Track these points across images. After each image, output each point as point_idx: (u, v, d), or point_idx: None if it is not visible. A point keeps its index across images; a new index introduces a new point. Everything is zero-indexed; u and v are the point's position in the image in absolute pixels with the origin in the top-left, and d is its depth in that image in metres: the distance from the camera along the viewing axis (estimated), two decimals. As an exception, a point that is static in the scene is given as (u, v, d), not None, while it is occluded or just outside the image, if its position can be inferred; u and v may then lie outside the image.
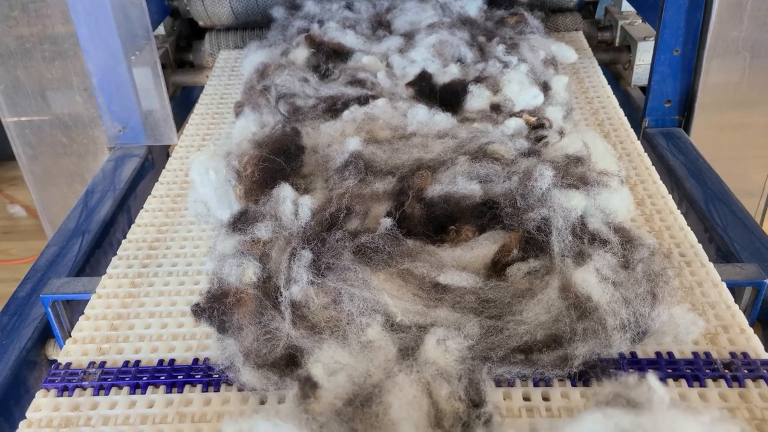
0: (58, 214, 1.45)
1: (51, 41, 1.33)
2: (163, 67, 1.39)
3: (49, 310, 0.93)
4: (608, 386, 0.48)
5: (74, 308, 0.95)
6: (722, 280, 0.84)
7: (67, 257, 1.09)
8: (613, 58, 1.64)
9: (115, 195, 1.25)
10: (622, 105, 1.31)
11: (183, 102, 1.76)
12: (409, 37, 1.33)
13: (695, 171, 1.24)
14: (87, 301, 0.88)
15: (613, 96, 1.34)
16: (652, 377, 0.47)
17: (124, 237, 1.00)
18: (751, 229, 1.07)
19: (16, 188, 2.92)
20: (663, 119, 1.42)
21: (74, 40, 1.31)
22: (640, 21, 1.64)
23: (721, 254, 1.05)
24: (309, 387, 0.58)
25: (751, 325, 0.82)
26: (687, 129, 1.41)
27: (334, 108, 1.10)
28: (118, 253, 0.97)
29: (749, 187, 1.49)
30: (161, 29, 1.70)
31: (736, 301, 0.81)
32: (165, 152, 1.50)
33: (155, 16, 1.51)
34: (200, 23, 1.72)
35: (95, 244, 1.14)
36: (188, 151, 1.23)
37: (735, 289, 0.87)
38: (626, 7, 1.70)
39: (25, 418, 0.71)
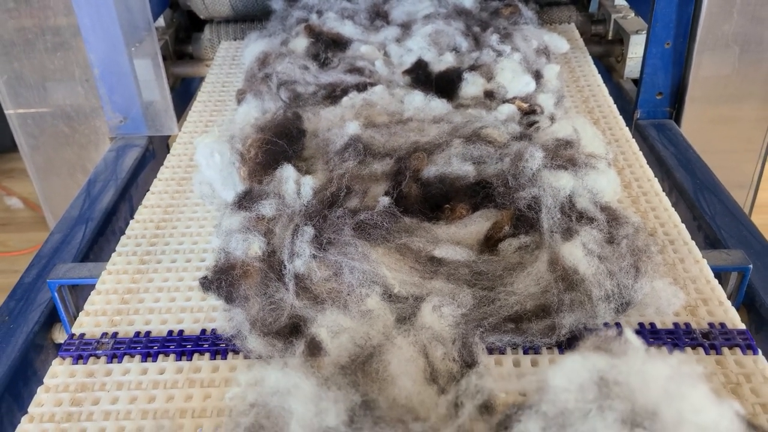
0: (60, 203, 1.47)
1: (53, 32, 1.34)
2: (163, 58, 1.41)
3: (56, 294, 0.96)
4: (589, 340, 0.52)
5: (79, 293, 0.98)
6: (709, 266, 0.87)
7: (71, 244, 1.11)
8: (606, 51, 1.67)
9: (117, 184, 1.28)
10: (614, 97, 1.34)
11: (182, 93, 1.78)
12: (406, 27, 1.37)
13: (685, 161, 1.26)
14: (92, 286, 0.91)
15: (603, 85, 1.38)
16: (628, 331, 0.51)
17: (127, 225, 1.03)
18: (737, 218, 1.10)
19: (13, 180, 2.92)
20: (654, 111, 1.44)
21: (76, 32, 1.32)
22: (633, 14, 1.66)
23: (709, 242, 1.09)
24: (314, 346, 0.62)
25: (737, 309, 0.85)
26: (678, 121, 1.43)
27: (333, 94, 1.14)
28: (126, 232, 1.01)
29: (739, 179, 1.51)
30: (161, 21, 1.72)
31: (722, 286, 0.85)
32: (165, 142, 1.52)
33: (155, 8, 1.52)
34: (201, 16, 1.75)
35: (98, 232, 1.16)
36: (192, 137, 1.27)
37: (721, 274, 0.91)
38: (619, 0, 1.72)
39: (41, 387, 0.75)
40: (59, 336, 0.98)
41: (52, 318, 0.99)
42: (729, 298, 0.84)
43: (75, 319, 0.86)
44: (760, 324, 0.93)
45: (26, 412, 0.72)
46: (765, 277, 0.96)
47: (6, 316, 0.96)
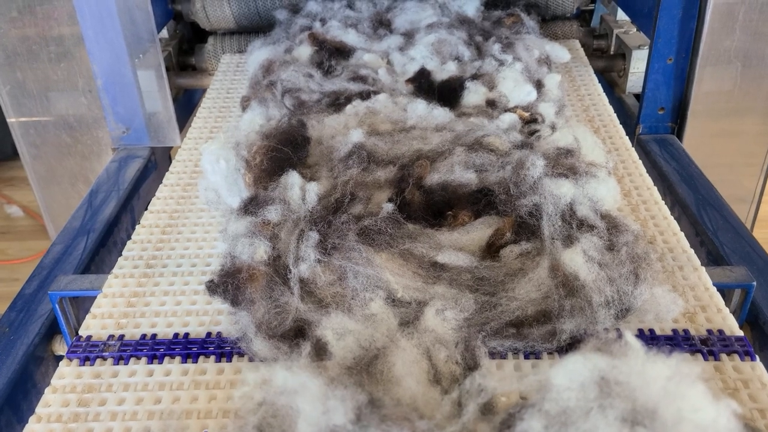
0: (61, 213, 1.48)
1: (57, 42, 1.34)
2: (166, 69, 1.42)
3: (57, 306, 0.95)
4: (590, 343, 0.54)
5: (80, 305, 0.98)
6: (713, 283, 0.87)
7: (73, 255, 1.11)
8: (608, 66, 1.67)
9: (119, 195, 1.28)
10: (616, 112, 1.34)
11: (185, 104, 1.79)
12: (409, 35, 1.38)
13: (687, 177, 1.27)
14: (93, 297, 0.91)
15: (604, 94, 1.39)
16: (628, 333, 0.52)
17: (129, 237, 1.03)
18: (740, 233, 1.10)
19: (14, 188, 2.93)
20: (656, 126, 1.45)
21: (80, 42, 1.33)
22: (635, 30, 1.66)
23: (712, 258, 1.09)
24: (319, 348, 0.63)
25: (741, 326, 0.85)
26: (680, 136, 1.43)
27: (337, 102, 1.15)
28: (132, 237, 1.02)
29: (741, 194, 1.51)
30: (164, 32, 1.74)
31: (725, 303, 0.85)
32: (167, 153, 1.53)
33: (159, 20, 1.52)
34: (207, 28, 1.76)
35: (100, 243, 1.16)
36: (197, 143, 1.28)
37: (725, 291, 0.90)
38: (621, 16, 1.73)
39: (49, 388, 0.76)
40: (60, 348, 0.98)
41: (52, 330, 0.98)
42: (732, 315, 0.83)
43: (76, 332, 0.86)
44: (764, 341, 0.93)
45: (28, 422, 0.72)
46: (769, 294, 0.96)
47: (6, 328, 0.96)
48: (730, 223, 1.13)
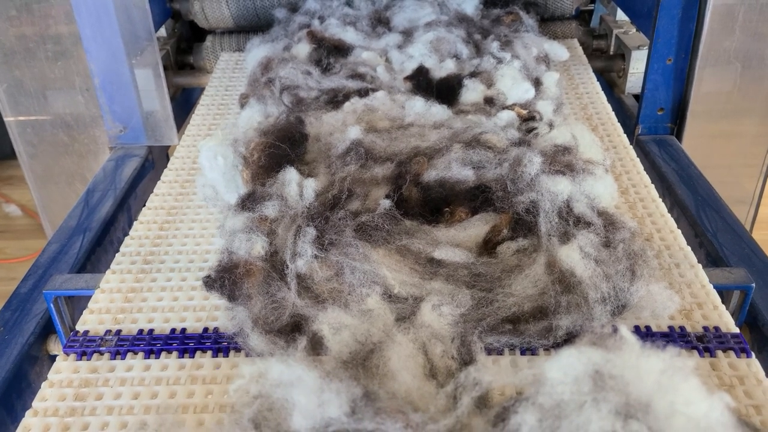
0: (58, 212, 1.48)
1: (54, 41, 1.34)
2: (164, 68, 1.41)
3: (52, 305, 0.94)
4: (585, 337, 0.54)
5: (75, 304, 0.97)
6: (711, 284, 0.87)
7: (69, 254, 1.11)
8: (608, 66, 1.67)
9: (115, 194, 1.28)
10: (615, 112, 1.34)
11: (183, 103, 1.79)
12: (407, 33, 1.38)
13: (686, 178, 1.27)
14: (89, 297, 0.90)
15: (602, 93, 1.39)
16: (623, 328, 0.53)
17: (125, 236, 1.03)
18: (739, 235, 1.10)
19: (12, 187, 2.93)
20: (656, 127, 1.45)
21: (77, 41, 1.33)
22: (635, 30, 1.66)
23: (711, 259, 1.08)
24: (315, 342, 0.64)
25: (739, 327, 0.84)
26: (679, 137, 1.43)
27: (335, 100, 1.16)
28: (130, 233, 1.02)
29: (740, 195, 1.51)
30: (162, 31, 1.74)
31: (724, 304, 0.85)
32: (165, 153, 1.53)
33: (157, 18, 1.52)
34: (206, 27, 1.76)
35: (96, 242, 1.16)
36: (195, 140, 1.28)
37: (723, 292, 0.90)
38: (621, 16, 1.73)
39: (45, 383, 0.76)
40: (54, 347, 0.98)
41: (47, 329, 0.98)
42: (731, 316, 0.83)
43: (71, 331, 0.86)
44: (763, 343, 0.93)
45: (22, 420, 0.72)
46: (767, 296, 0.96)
47: (1, 327, 0.96)
48: (730, 224, 1.13)
